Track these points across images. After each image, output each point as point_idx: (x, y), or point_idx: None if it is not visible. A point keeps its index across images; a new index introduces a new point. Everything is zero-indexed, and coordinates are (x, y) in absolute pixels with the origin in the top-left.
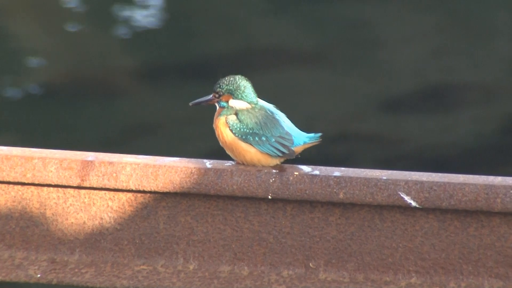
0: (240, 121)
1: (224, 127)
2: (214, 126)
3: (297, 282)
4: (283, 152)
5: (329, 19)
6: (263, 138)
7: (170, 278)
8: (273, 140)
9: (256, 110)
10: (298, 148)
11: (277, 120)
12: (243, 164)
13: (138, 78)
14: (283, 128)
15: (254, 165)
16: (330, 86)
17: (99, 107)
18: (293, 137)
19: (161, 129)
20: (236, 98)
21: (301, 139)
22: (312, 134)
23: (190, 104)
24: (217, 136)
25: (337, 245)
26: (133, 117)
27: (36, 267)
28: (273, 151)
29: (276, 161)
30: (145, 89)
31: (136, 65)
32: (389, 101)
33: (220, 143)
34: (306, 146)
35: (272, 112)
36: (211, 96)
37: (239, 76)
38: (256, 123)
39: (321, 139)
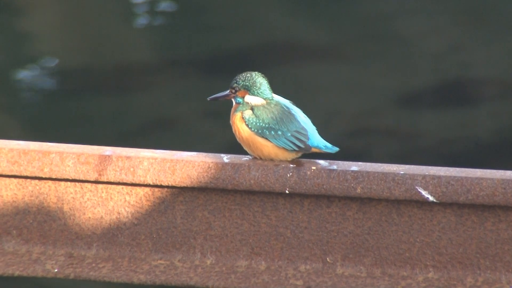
0: (256, 116)
1: (241, 123)
2: (231, 122)
3: (314, 276)
4: (299, 146)
5: (346, 13)
6: (279, 133)
7: (187, 273)
8: (289, 134)
9: (272, 105)
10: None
11: (293, 115)
12: (260, 159)
13: (156, 72)
14: (299, 123)
15: (271, 160)
16: (347, 81)
17: (116, 101)
18: (308, 133)
19: (179, 123)
20: (252, 94)
21: (315, 142)
22: (330, 145)
23: (208, 99)
24: (234, 132)
25: (354, 240)
26: (150, 112)
27: (54, 262)
28: (289, 145)
29: (293, 155)
30: (162, 84)
31: (154, 59)
32: (406, 95)
33: (237, 139)
34: (317, 150)
35: (288, 108)
36: (228, 91)
37: (256, 72)
38: (272, 118)
39: (336, 152)
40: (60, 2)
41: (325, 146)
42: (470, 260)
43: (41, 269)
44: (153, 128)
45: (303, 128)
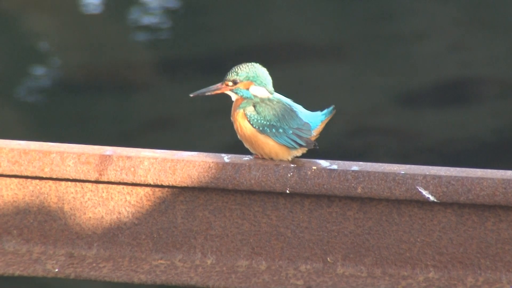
0: (258, 113)
1: (243, 120)
2: (232, 119)
3: (314, 276)
4: (300, 144)
5: (347, 13)
6: (280, 130)
7: (188, 273)
8: (291, 132)
9: (274, 102)
10: (318, 129)
11: (294, 112)
12: (262, 158)
13: (156, 72)
14: (300, 119)
15: (273, 158)
16: (348, 80)
17: (116, 101)
18: (310, 123)
19: (179, 123)
20: (258, 84)
21: (318, 119)
22: (325, 110)
23: (191, 95)
24: (235, 129)
25: (355, 240)
26: (151, 111)
27: (54, 262)
28: (290, 143)
29: (295, 153)
30: (163, 83)
31: (154, 59)
32: (407, 95)
33: (239, 137)
34: (325, 122)
35: (289, 105)
36: (220, 84)
37: (254, 63)
38: (274, 115)
39: (335, 111)
40: (62, 4)
41: (325, 114)
42: (470, 260)
43: (41, 269)
44: (153, 128)
45: (305, 124)
